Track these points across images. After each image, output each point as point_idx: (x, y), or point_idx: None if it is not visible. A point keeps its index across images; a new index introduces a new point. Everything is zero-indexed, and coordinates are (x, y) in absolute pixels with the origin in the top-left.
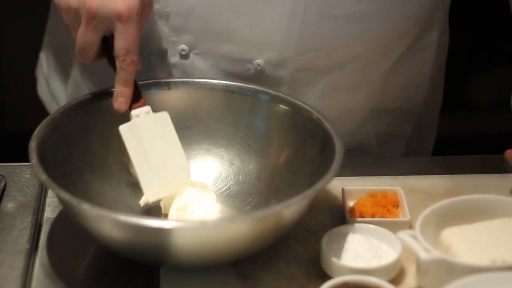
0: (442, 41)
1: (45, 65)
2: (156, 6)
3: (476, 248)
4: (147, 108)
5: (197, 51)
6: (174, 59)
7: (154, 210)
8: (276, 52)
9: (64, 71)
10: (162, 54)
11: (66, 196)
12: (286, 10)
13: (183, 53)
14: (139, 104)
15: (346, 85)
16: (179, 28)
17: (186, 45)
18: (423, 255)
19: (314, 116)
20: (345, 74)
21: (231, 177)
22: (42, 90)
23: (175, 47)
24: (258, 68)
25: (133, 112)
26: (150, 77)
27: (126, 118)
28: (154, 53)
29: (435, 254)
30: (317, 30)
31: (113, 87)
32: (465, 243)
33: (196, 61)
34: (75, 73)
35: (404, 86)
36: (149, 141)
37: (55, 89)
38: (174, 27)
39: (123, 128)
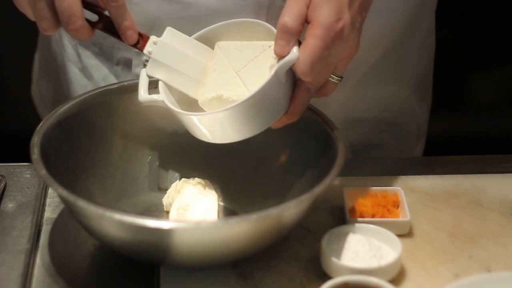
0: (424, 51)
1: (36, 66)
2: None
3: (225, 68)
4: (153, 37)
5: None
6: (138, 69)
7: (156, 208)
8: None
9: (50, 74)
10: (128, 64)
11: (64, 192)
12: None
13: (147, 63)
14: (143, 42)
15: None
16: None
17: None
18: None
19: (318, 118)
20: None
21: (234, 177)
22: (34, 91)
23: (139, 57)
24: None
25: (146, 50)
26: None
27: (130, 116)
28: (121, 63)
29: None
30: None
31: (117, 83)
32: (221, 61)
33: None
34: (55, 78)
35: (378, 96)
36: (178, 60)
37: (43, 91)
38: None
39: (148, 71)
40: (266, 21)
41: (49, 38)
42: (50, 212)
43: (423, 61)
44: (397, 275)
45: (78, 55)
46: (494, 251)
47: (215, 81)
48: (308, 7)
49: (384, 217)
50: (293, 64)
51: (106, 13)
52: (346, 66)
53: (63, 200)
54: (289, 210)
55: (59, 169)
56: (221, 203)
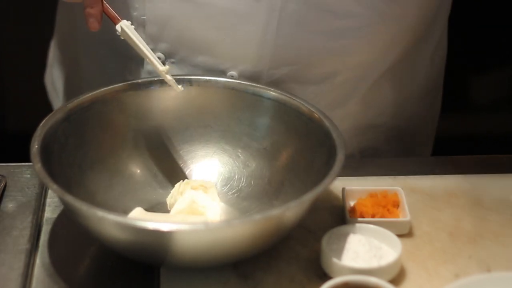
0: (437, 57)
1: (51, 54)
2: (134, 13)
3: None
4: (126, 21)
5: (173, 60)
6: (150, 66)
7: (162, 206)
8: (249, 65)
9: (64, 63)
10: (141, 61)
11: (54, 186)
12: (260, 24)
13: (159, 61)
14: (118, 20)
15: (323, 101)
16: (155, 36)
17: (162, 53)
18: None
19: (319, 118)
20: (321, 90)
21: (243, 179)
22: (47, 79)
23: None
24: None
25: (122, 24)
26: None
27: (142, 113)
28: (134, 60)
29: None
30: (291, 45)
31: (131, 81)
32: None
33: (172, 70)
34: (69, 68)
35: (389, 102)
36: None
37: (55, 79)
38: (151, 35)
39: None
40: (277, 25)
41: (65, 28)
42: (50, 212)
43: (435, 67)
44: (397, 275)
45: (92, 50)
46: (494, 251)
47: None
48: None
49: (384, 217)
50: None
51: None
52: None
53: (57, 195)
54: (290, 211)
55: (62, 163)
56: (223, 204)
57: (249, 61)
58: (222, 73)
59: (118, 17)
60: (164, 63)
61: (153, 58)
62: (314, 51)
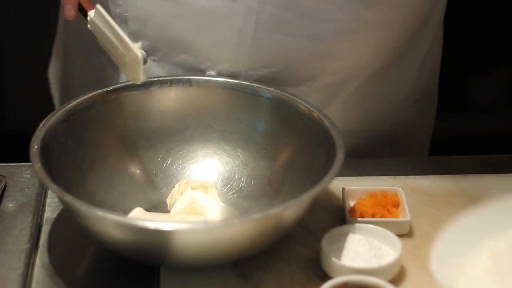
0: (427, 64)
1: (54, 47)
2: (117, 10)
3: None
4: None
5: (154, 58)
6: None
7: (162, 206)
8: (227, 65)
9: (62, 55)
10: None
11: (54, 187)
12: (237, 25)
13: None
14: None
15: None
16: (137, 33)
17: (144, 51)
18: None
19: (319, 117)
20: (299, 93)
21: (243, 179)
22: (50, 72)
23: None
24: None
25: (90, 13)
26: (170, 75)
27: (142, 113)
28: None
29: None
30: (268, 48)
31: (129, 81)
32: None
33: (153, 67)
34: (63, 61)
35: (372, 109)
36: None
37: (56, 72)
38: (133, 32)
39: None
40: (255, 27)
41: (62, 21)
42: (50, 212)
43: (426, 73)
44: (397, 275)
45: (82, 43)
46: None
47: None
48: None
49: (384, 217)
50: None
51: None
52: None
53: (57, 195)
54: (289, 210)
55: (62, 164)
56: (222, 204)
57: (227, 61)
58: (202, 72)
59: (92, 6)
60: (145, 61)
61: (125, 36)
62: (292, 54)
